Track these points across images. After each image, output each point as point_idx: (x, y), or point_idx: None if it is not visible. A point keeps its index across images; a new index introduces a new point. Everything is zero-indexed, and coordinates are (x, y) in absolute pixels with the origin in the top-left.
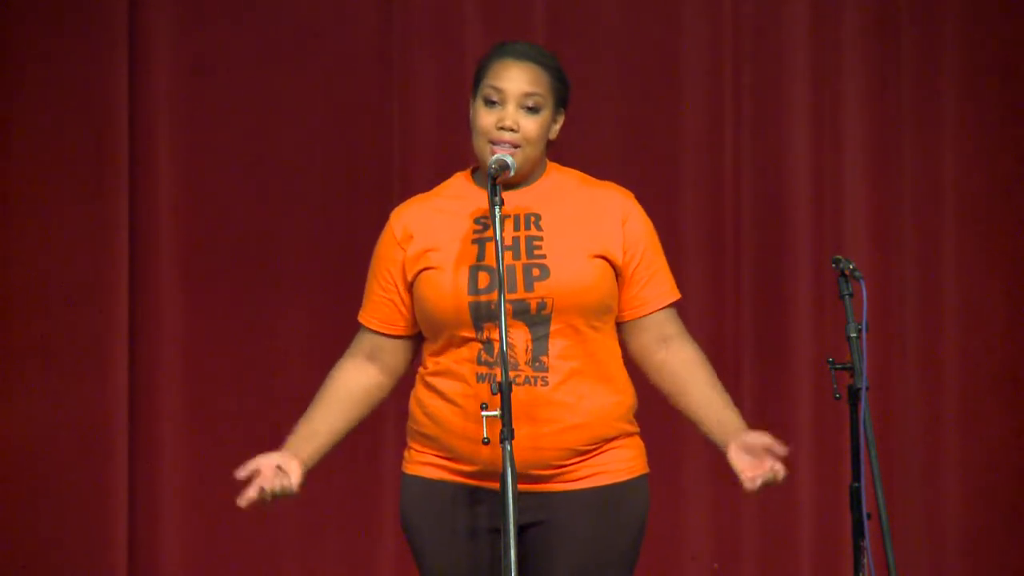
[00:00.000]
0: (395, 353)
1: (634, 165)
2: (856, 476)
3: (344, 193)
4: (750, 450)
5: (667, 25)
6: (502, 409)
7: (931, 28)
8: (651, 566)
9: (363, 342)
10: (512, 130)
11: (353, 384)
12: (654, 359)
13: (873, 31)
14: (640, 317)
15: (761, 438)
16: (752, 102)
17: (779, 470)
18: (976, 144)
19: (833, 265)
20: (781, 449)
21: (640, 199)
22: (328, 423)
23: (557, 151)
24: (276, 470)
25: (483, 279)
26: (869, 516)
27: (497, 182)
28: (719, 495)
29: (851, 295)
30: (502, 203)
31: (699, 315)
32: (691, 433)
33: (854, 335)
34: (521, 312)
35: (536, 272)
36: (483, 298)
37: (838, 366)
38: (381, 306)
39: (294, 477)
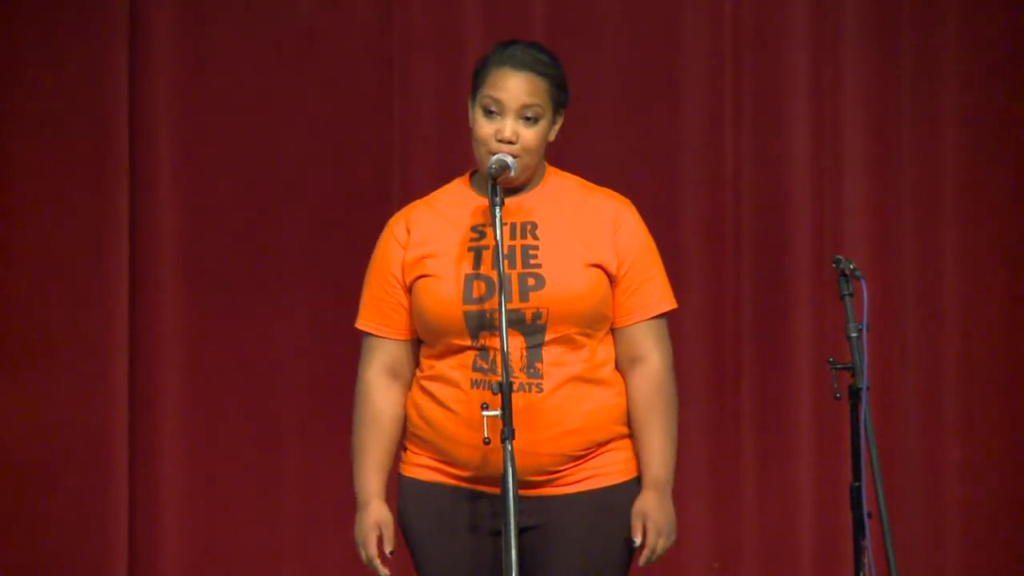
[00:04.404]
0: (411, 362)
1: (634, 165)
2: (857, 475)
3: (344, 194)
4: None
5: (667, 25)
6: (502, 409)
7: (931, 27)
8: (650, 566)
9: (380, 354)
10: (511, 142)
11: (397, 409)
12: (623, 380)
13: (873, 31)
14: (622, 328)
15: (639, 517)
16: (752, 102)
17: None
18: (976, 143)
19: (833, 265)
20: (638, 539)
21: (640, 199)
22: (391, 455)
23: (557, 151)
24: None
25: (478, 288)
26: (870, 515)
27: (497, 182)
28: (719, 495)
29: (851, 295)
30: (502, 203)
31: (699, 315)
32: (690, 433)
33: (855, 335)
34: (516, 322)
35: (531, 282)
36: (478, 308)
37: (839, 366)
38: (389, 311)
39: (390, 543)
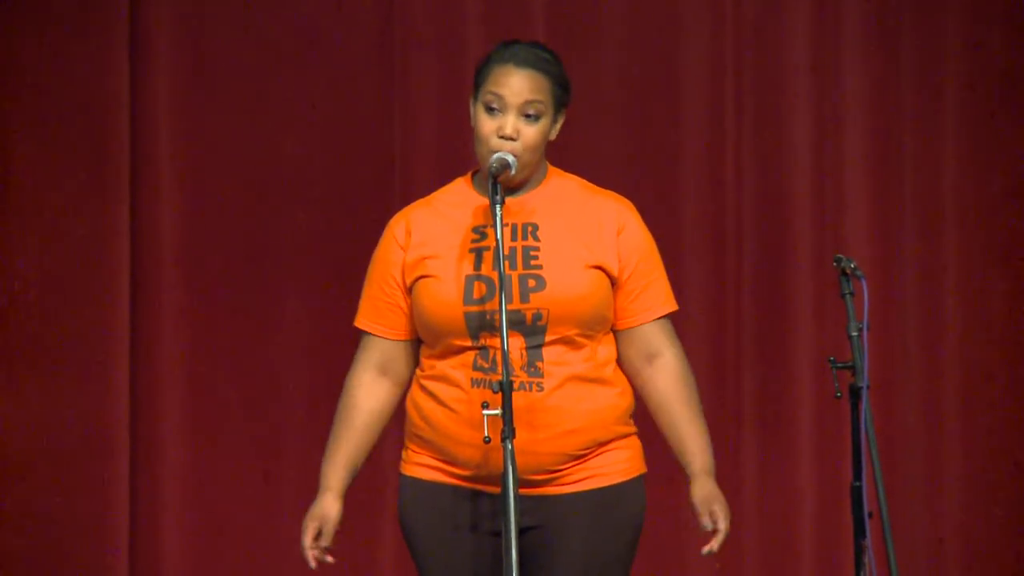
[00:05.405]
0: (405, 361)
1: (635, 165)
2: (857, 475)
3: (345, 194)
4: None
5: (668, 25)
6: (503, 408)
7: (932, 27)
8: (652, 566)
9: (372, 352)
10: (512, 139)
11: (376, 404)
12: (638, 377)
13: (874, 30)
14: (629, 328)
15: (707, 504)
16: (753, 101)
17: (713, 547)
18: (977, 142)
19: (834, 264)
20: (710, 525)
21: (641, 199)
22: (363, 449)
23: (558, 152)
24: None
25: (479, 289)
26: (871, 515)
27: (498, 180)
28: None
29: (852, 294)
30: (503, 202)
31: (700, 314)
32: None
33: (855, 334)
34: (516, 323)
35: (532, 283)
36: (478, 308)
37: (839, 365)
38: (387, 311)
39: (327, 539)
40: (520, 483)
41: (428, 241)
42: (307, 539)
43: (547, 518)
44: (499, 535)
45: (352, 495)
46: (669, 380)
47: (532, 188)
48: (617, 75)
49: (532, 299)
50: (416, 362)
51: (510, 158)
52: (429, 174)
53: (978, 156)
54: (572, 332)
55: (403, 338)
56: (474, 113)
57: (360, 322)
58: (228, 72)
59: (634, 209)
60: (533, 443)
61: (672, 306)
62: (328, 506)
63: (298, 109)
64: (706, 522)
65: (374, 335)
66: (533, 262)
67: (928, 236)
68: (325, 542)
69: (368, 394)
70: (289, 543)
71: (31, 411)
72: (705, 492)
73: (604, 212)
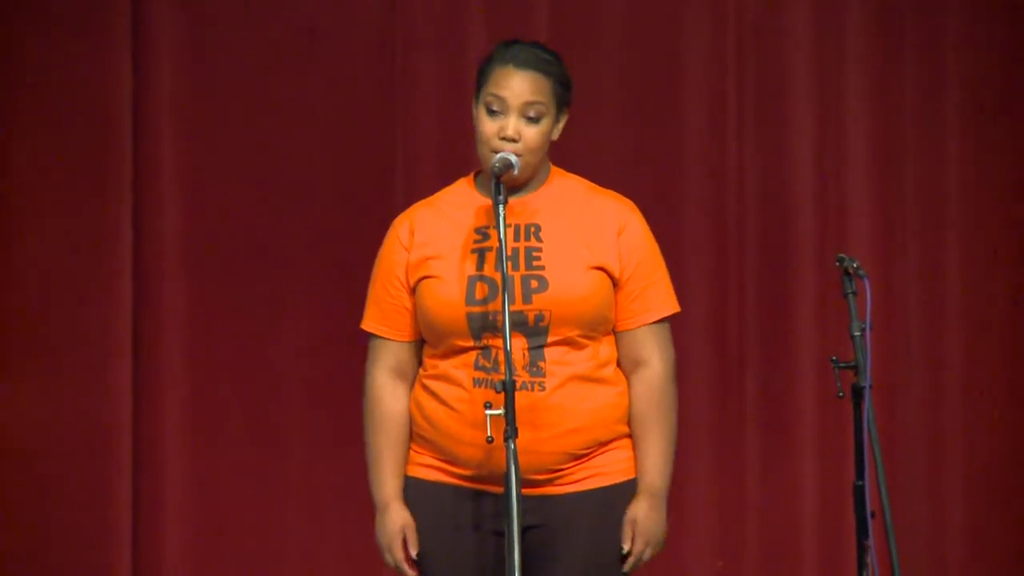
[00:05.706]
0: (413, 363)
1: (637, 165)
2: (860, 474)
3: (347, 194)
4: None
5: (668, 24)
6: (506, 407)
7: (934, 26)
8: (652, 565)
9: (386, 356)
10: (514, 140)
11: (403, 408)
12: (628, 380)
13: (876, 30)
14: (623, 331)
15: (630, 524)
16: (755, 101)
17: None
18: (978, 142)
19: (837, 263)
20: (627, 546)
21: (643, 199)
22: (404, 455)
23: (559, 152)
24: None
25: (481, 290)
26: (873, 515)
27: (501, 181)
28: (722, 493)
29: (855, 293)
30: (506, 201)
31: (702, 314)
32: (692, 430)
33: (858, 333)
34: (518, 324)
35: (534, 284)
36: (480, 309)
37: (842, 364)
38: (393, 313)
39: (415, 547)
40: (522, 483)
41: (431, 241)
42: (399, 554)
43: (549, 517)
44: (501, 535)
45: (353, 495)
46: (645, 393)
47: (535, 188)
48: (617, 75)
49: (535, 300)
50: (421, 362)
51: (513, 158)
52: (431, 174)
53: (979, 156)
54: (574, 333)
55: (412, 339)
56: (476, 114)
57: (367, 324)
58: (230, 72)
59: (636, 209)
60: (535, 442)
61: (673, 307)
62: (400, 515)
63: (299, 109)
64: (623, 544)
65: (385, 338)
66: (536, 263)
67: (930, 235)
68: (414, 549)
69: (394, 399)
70: (289, 543)
71: (31, 411)
72: (634, 513)
73: (606, 212)
